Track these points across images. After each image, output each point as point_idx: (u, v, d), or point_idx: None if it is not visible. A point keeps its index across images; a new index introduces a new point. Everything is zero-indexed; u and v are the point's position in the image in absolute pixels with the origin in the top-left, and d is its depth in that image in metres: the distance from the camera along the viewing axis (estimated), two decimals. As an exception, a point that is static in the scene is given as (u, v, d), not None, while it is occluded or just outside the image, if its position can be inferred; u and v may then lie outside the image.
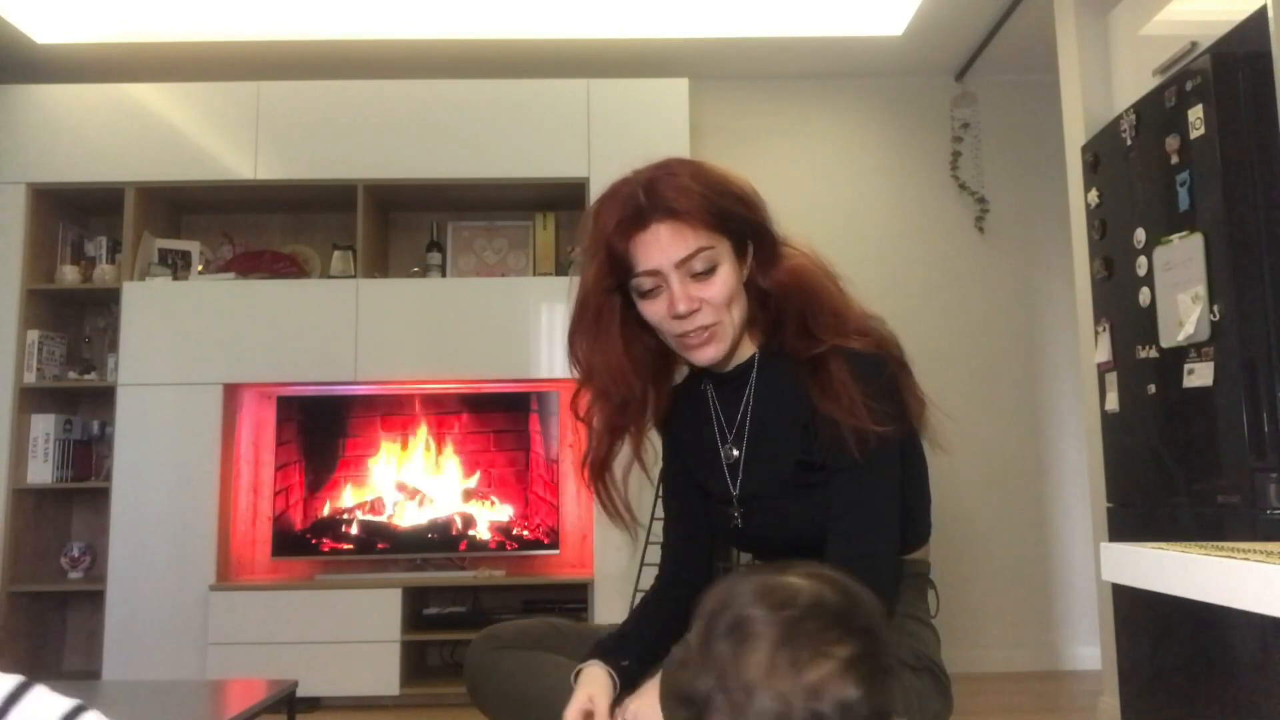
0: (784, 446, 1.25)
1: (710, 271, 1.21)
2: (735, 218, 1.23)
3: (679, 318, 1.21)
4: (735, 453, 1.30)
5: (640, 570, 3.13)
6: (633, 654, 1.28)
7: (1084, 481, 3.45)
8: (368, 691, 3.31)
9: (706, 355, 1.25)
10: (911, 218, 4.01)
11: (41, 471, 3.51)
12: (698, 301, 1.21)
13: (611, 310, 1.28)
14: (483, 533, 3.61)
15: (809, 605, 0.68)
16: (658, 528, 2.50)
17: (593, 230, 1.26)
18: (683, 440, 1.40)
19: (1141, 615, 2.55)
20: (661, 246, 1.20)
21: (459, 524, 3.63)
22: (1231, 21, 2.25)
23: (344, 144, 3.65)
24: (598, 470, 1.35)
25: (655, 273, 1.21)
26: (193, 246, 3.80)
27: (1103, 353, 2.71)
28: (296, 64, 3.85)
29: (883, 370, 1.22)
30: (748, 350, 1.32)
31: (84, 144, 3.62)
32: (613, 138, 3.63)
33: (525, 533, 3.63)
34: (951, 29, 3.71)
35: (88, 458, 3.69)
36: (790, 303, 1.27)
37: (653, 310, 1.24)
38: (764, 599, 0.69)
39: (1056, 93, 3.15)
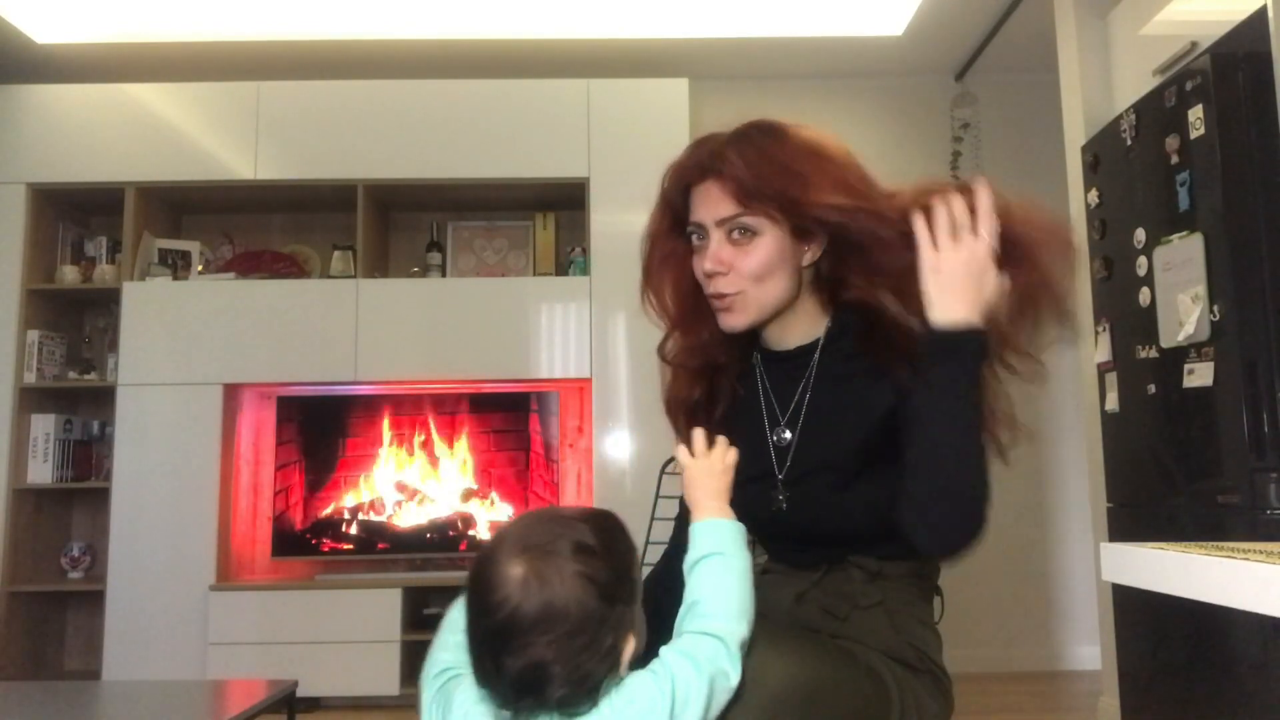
0: (846, 437, 1.21)
1: (748, 241, 1.21)
2: (785, 202, 1.19)
3: (706, 276, 1.23)
4: (787, 435, 1.26)
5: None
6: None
7: (1084, 481, 3.44)
8: (368, 691, 3.31)
9: (725, 321, 1.25)
10: (911, 218, 4.01)
11: (41, 471, 3.51)
12: (726, 266, 1.21)
13: (682, 254, 1.29)
14: (483, 532, 3.61)
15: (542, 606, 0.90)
16: (658, 529, 2.51)
17: (666, 172, 1.29)
18: (718, 416, 1.36)
19: (1141, 615, 2.55)
20: (708, 203, 1.22)
21: (459, 524, 3.63)
22: (1231, 21, 2.25)
23: (344, 144, 3.65)
24: (673, 408, 1.35)
25: (700, 226, 1.23)
26: (193, 246, 3.81)
27: (1103, 353, 2.71)
28: (296, 64, 3.86)
29: None
30: (812, 332, 1.28)
31: (84, 144, 3.62)
32: (613, 138, 3.63)
33: (525, 533, 3.62)
34: (951, 29, 3.72)
35: (88, 458, 3.69)
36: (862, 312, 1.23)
37: (695, 265, 1.26)
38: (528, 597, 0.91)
39: (1056, 93, 3.15)
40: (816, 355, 1.26)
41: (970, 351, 1.10)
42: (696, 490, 1.08)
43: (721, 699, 0.93)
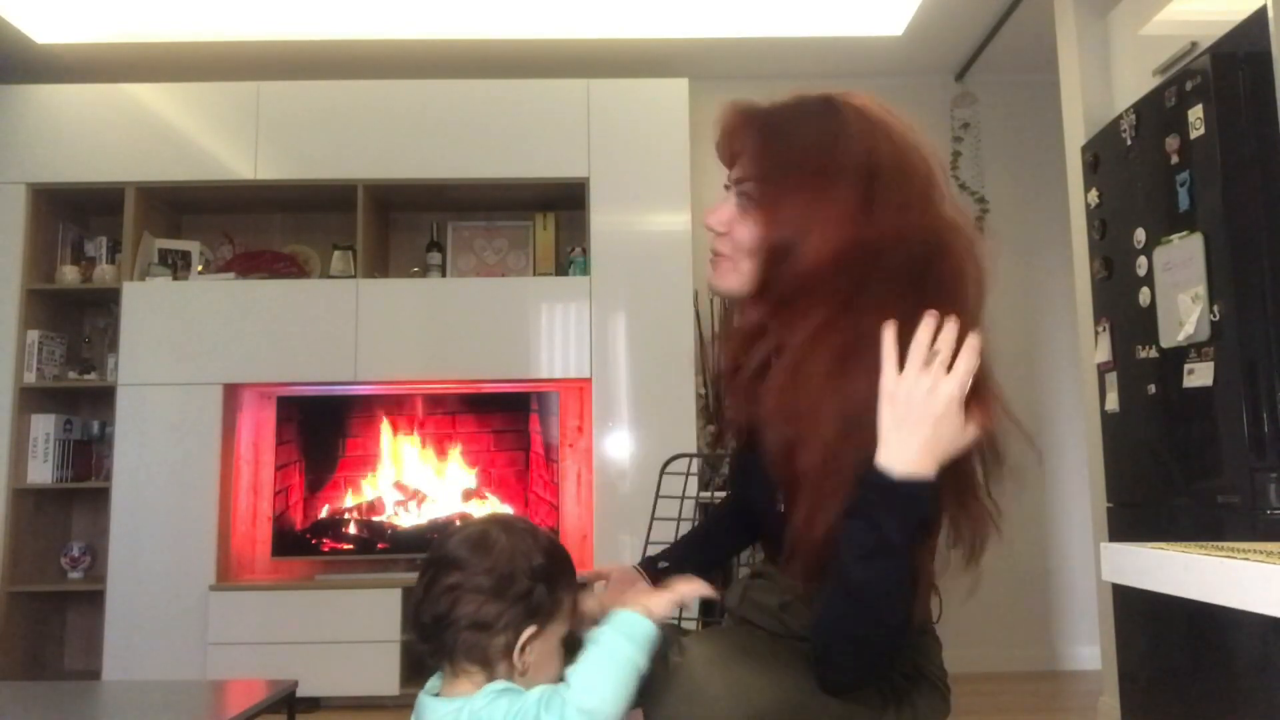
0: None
1: (748, 208, 1.12)
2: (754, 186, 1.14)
3: (708, 229, 1.16)
4: None
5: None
6: (669, 557, 1.35)
7: (1084, 481, 3.44)
8: (368, 691, 3.31)
9: (713, 279, 1.17)
10: (911, 218, 4.01)
11: (41, 471, 3.51)
12: (725, 227, 1.12)
13: None
14: (483, 533, 3.61)
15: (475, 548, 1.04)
16: (659, 529, 2.51)
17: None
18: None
19: (1141, 615, 2.55)
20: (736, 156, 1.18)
21: (459, 524, 3.62)
22: (1231, 21, 2.25)
23: (344, 144, 3.65)
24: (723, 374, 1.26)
25: (727, 182, 1.17)
26: (193, 246, 3.81)
27: (1103, 353, 2.71)
28: (296, 64, 3.86)
29: None
30: None
31: (84, 144, 3.62)
32: (613, 138, 3.63)
33: (525, 533, 3.62)
34: (951, 29, 3.72)
35: (88, 458, 3.69)
36: None
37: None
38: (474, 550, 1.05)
39: (1056, 93, 3.15)
40: None
41: (918, 508, 0.96)
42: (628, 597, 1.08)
43: None
